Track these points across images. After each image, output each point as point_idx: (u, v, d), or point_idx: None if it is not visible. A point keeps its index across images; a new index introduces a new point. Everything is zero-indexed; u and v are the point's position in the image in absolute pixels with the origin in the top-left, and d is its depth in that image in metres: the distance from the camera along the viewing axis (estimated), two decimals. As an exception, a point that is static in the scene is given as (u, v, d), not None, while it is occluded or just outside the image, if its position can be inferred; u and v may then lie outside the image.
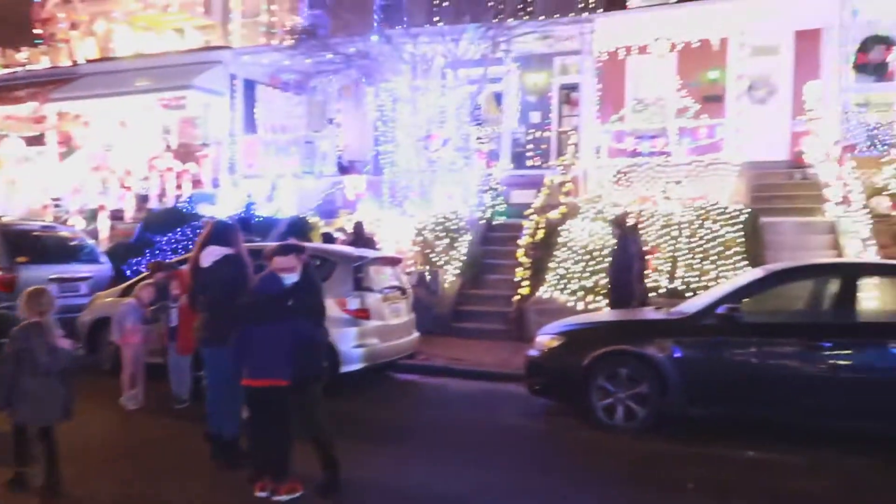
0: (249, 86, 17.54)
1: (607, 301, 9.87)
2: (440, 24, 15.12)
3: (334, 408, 5.66)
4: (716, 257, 10.59)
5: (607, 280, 9.88)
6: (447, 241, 12.45)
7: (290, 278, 4.92)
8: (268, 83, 17.68)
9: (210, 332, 5.40)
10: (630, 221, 9.67)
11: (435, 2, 15.85)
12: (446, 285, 11.97)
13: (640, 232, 10.26)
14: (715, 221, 11.00)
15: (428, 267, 12.13)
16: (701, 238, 10.90)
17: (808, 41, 14.88)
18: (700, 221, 11.10)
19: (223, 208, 15.18)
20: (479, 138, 15.34)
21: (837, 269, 7.00)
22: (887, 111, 13.61)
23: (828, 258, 10.00)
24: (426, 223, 12.72)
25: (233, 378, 5.05)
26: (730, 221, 10.95)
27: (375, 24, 16.28)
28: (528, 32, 14.29)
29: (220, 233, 5.62)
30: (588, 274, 10.97)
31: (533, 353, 7.26)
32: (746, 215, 11.03)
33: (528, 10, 15.37)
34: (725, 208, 11.25)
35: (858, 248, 10.07)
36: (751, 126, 14.15)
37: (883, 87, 14.24)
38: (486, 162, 14.82)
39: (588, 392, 6.64)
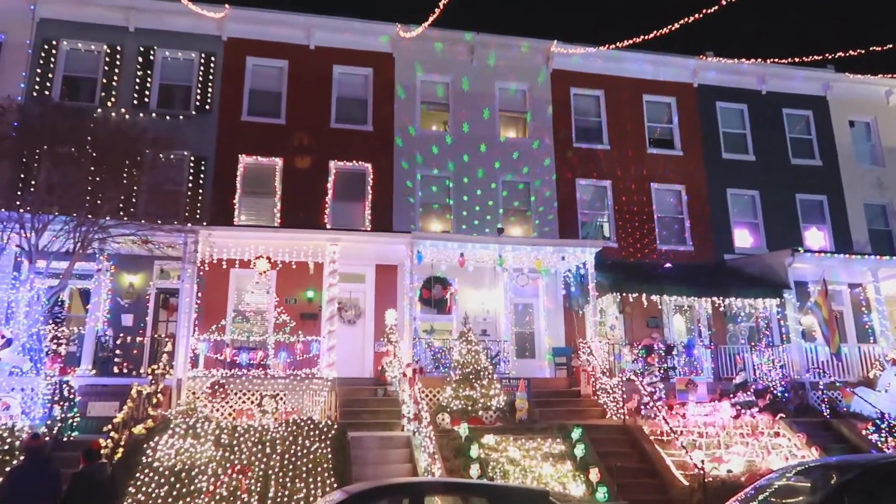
0: None
1: None
2: (22, 210, 13.53)
3: None
4: (306, 474, 10.71)
5: None
6: (-5, 465, 10.16)
7: None
8: None
9: None
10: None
11: (19, 185, 14.24)
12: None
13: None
14: (306, 437, 11.29)
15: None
16: (293, 455, 10.99)
17: (387, 274, 17.44)
18: (293, 437, 11.26)
19: None
20: (55, 339, 13.53)
21: (405, 489, 7.67)
22: (447, 338, 16.35)
23: (399, 478, 10.86)
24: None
25: None
26: (320, 437, 11.36)
27: None
28: (128, 235, 13.73)
29: None
30: (172, 499, 9.98)
31: None
32: (335, 430, 11.59)
33: (131, 210, 14.84)
34: (318, 423, 11.68)
35: (427, 461, 11.30)
36: (342, 344, 15.45)
37: (444, 319, 17.26)
38: (62, 367, 12.99)
39: None
